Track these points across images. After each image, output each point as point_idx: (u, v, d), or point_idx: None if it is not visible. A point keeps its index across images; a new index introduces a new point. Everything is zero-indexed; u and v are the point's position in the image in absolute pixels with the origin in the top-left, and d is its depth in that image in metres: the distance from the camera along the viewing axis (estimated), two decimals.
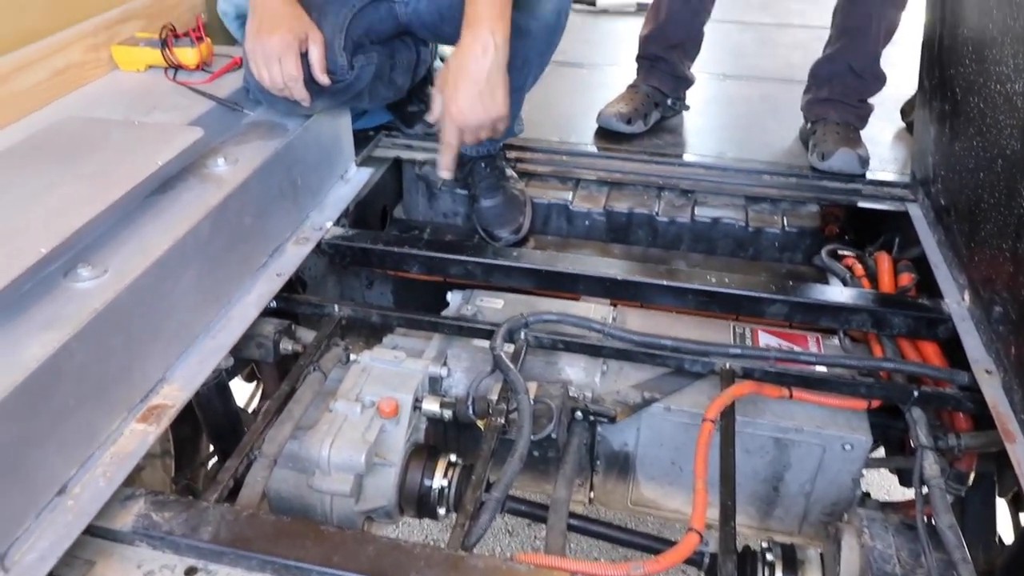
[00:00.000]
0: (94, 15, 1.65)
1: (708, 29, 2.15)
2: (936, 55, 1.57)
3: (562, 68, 2.52)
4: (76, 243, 1.10)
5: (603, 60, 2.62)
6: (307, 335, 1.45)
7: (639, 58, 2.17)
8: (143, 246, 1.16)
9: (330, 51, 1.49)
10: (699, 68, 2.21)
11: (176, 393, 1.15)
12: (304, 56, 1.42)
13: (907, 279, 1.61)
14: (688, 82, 2.17)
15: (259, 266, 1.45)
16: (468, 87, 1.33)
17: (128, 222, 1.21)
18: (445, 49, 2.34)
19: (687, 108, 2.19)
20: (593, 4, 3.14)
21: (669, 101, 2.14)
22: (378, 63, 1.64)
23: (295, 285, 1.65)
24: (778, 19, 3.08)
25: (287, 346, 1.41)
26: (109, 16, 1.67)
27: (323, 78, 1.45)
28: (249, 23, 1.42)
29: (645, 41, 2.14)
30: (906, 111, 2.16)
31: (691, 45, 2.14)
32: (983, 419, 1.25)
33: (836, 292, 1.52)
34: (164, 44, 1.63)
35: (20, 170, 1.21)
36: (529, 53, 1.54)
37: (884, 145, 2.05)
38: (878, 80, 1.95)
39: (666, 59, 2.11)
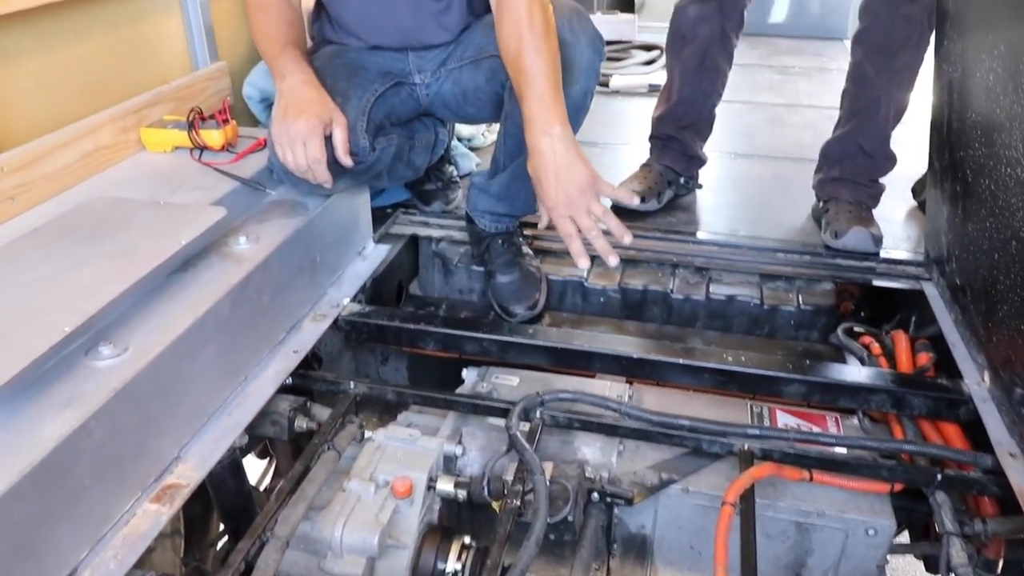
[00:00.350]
0: (125, 99, 1.71)
1: (719, 109, 2.20)
2: (945, 137, 1.60)
3: None
4: (99, 321, 1.11)
5: (616, 139, 2.68)
6: (322, 412, 1.45)
7: (652, 138, 2.21)
8: (164, 324, 1.17)
9: (353, 134, 1.53)
10: (711, 147, 2.25)
11: (190, 472, 1.15)
12: (327, 139, 1.46)
13: (925, 359, 1.60)
14: (701, 161, 2.21)
15: (276, 343, 1.46)
16: (549, 179, 1.38)
17: (151, 300, 1.22)
18: (463, 129, 2.41)
19: (700, 187, 2.23)
20: (606, 85, 3.23)
21: (682, 180, 2.17)
22: (398, 144, 1.69)
23: (310, 361, 1.65)
24: (787, 100, 3.15)
25: (302, 424, 1.41)
26: (139, 100, 1.74)
27: (346, 160, 1.49)
28: (276, 107, 1.46)
29: (657, 122, 2.19)
30: (917, 190, 2.18)
31: (703, 125, 2.18)
32: (1010, 504, 1.22)
33: (854, 372, 1.51)
34: (191, 126, 1.69)
35: (48, 248, 1.24)
36: None
37: (897, 223, 2.06)
38: (889, 160, 1.97)
39: (678, 139, 2.15)
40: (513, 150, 1.65)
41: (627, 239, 1.42)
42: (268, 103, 2.05)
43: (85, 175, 1.59)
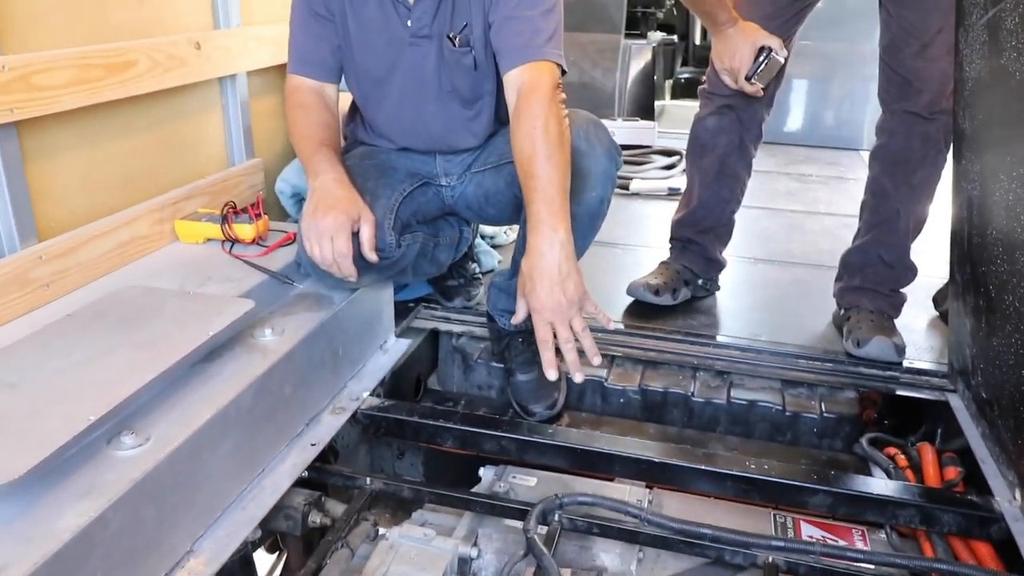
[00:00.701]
0: (163, 192, 1.78)
1: (738, 216, 2.24)
2: (966, 252, 1.61)
3: (596, 247, 2.58)
4: (123, 410, 1.12)
5: (636, 241, 2.72)
6: (336, 508, 1.42)
7: (672, 240, 2.24)
8: (186, 415, 1.18)
9: (380, 230, 1.57)
10: (730, 252, 2.28)
11: (201, 568, 1.13)
12: (355, 235, 1.50)
13: (953, 473, 1.56)
14: (720, 265, 2.23)
15: (294, 435, 1.46)
16: (543, 281, 1.40)
17: (175, 389, 1.23)
18: (485, 228, 2.46)
19: (718, 288, 2.24)
20: (627, 188, 3.30)
21: (700, 281, 2.19)
22: (423, 241, 1.73)
23: (327, 454, 1.64)
24: (806, 207, 3.20)
25: (316, 519, 1.38)
26: (176, 193, 1.80)
27: (372, 256, 1.52)
28: (307, 204, 1.51)
29: (677, 225, 2.23)
30: (938, 300, 2.18)
31: (722, 230, 2.21)
32: None
33: (881, 485, 1.47)
34: (224, 220, 1.74)
35: (79, 335, 1.26)
36: (573, 236, 1.61)
37: (919, 332, 2.06)
38: (909, 271, 1.98)
39: (698, 242, 2.19)
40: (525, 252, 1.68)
41: (596, 360, 1.44)
42: (299, 198, 2.12)
43: (120, 264, 1.63)
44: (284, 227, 1.86)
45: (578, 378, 1.45)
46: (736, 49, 1.89)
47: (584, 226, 1.60)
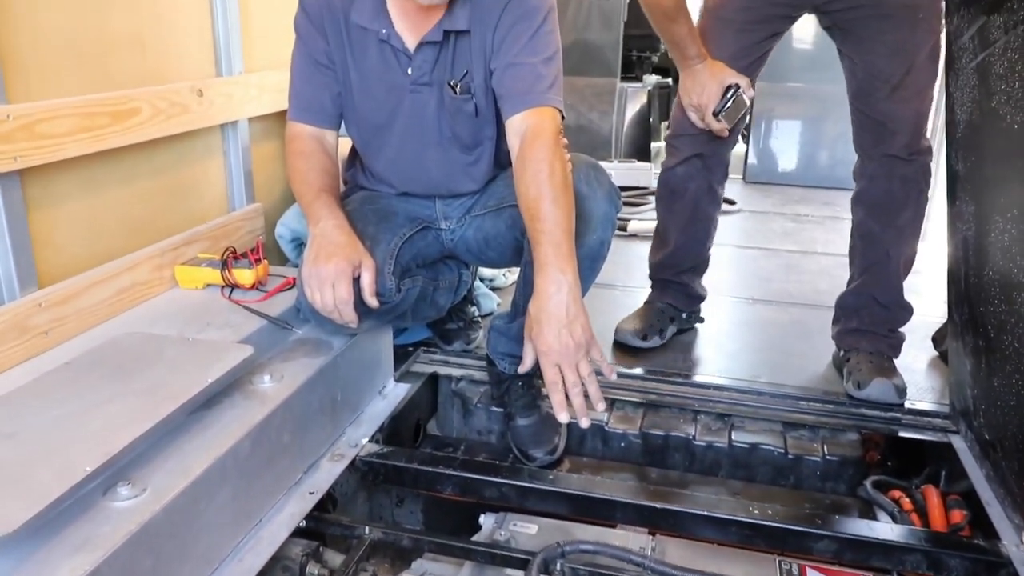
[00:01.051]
0: (163, 238, 1.78)
1: (735, 256, 2.26)
2: (964, 292, 1.62)
3: (596, 289, 2.60)
4: (119, 460, 1.11)
5: (634, 282, 2.72)
6: (335, 558, 1.40)
7: (653, 279, 2.26)
8: (184, 464, 1.17)
9: (380, 275, 1.57)
10: (729, 293, 2.29)
11: None
12: (355, 280, 1.50)
13: (959, 516, 1.55)
14: (701, 297, 2.27)
15: (292, 483, 1.44)
16: (551, 324, 1.39)
17: (172, 438, 1.22)
18: (484, 270, 2.46)
19: (702, 320, 2.27)
20: (624, 229, 3.32)
21: (684, 315, 2.23)
22: (423, 285, 1.73)
23: (325, 502, 1.62)
24: (802, 247, 3.21)
25: (313, 570, 1.36)
26: (176, 239, 1.81)
27: (372, 301, 1.52)
28: (308, 249, 1.51)
29: (657, 267, 2.25)
30: (937, 340, 2.18)
31: (701, 266, 2.25)
32: None
33: (887, 530, 1.46)
34: (224, 265, 1.74)
35: (77, 383, 1.26)
36: None
37: (919, 373, 2.05)
38: (905, 311, 1.99)
39: (678, 281, 2.22)
40: (532, 295, 1.68)
41: (600, 406, 1.42)
42: (299, 243, 2.12)
43: (119, 310, 1.63)
44: (284, 271, 1.87)
45: (584, 423, 1.43)
46: (704, 86, 1.91)
47: (585, 268, 1.61)
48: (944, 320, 1.94)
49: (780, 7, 1.91)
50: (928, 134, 1.92)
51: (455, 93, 1.60)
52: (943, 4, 1.76)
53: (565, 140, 1.53)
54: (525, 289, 1.72)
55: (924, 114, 1.86)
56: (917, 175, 1.88)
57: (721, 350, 2.20)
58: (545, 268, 1.41)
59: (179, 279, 1.78)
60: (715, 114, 1.93)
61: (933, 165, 1.95)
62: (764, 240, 3.29)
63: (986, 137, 1.48)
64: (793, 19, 1.97)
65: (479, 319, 2.18)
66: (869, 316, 1.98)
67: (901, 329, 2.01)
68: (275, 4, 2.11)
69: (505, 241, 1.72)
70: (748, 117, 2.00)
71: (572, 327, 1.39)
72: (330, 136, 1.71)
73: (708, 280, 2.30)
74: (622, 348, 2.14)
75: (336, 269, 1.46)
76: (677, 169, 2.11)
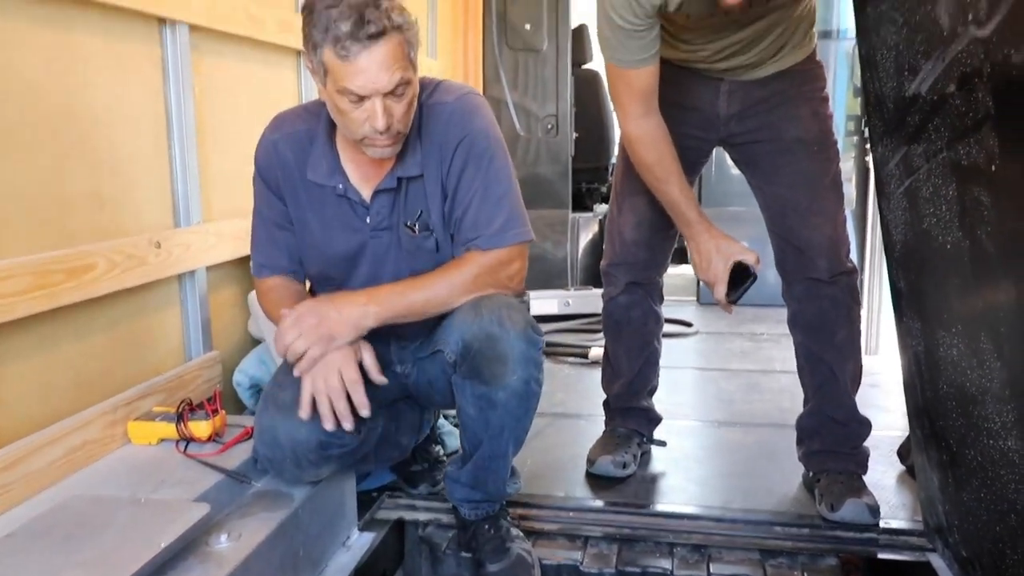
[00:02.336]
0: (117, 392, 1.74)
1: (696, 378, 2.28)
2: (922, 406, 1.64)
3: (560, 420, 2.60)
4: None
5: (598, 411, 2.70)
6: None
7: (611, 408, 2.28)
8: None
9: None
10: (693, 416, 2.29)
11: None
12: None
13: None
14: (659, 419, 2.29)
15: None
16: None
17: None
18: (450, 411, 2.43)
19: (663, 444, 2.26)
20: (586, 356, 3.34)
21: (645, 438, 2.24)
22: (384, 426, 1.70)
23: None
24: (761, 366, 3.25)
25: None
26: (130, 393, 1.76)
27: (380, 379, 1.52)
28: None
29: (615, 397, 2.26)
30: (903, 454, 2.18)
31: (654, 388, 2.28)
32: None
33: None
34: (180, 418, 1.69)
35: (20, 557, 1.18)
36: (504, 421, 1.60)
37: (889, 489, 2.04)
38: (863, 425, 2.00)
39: (639, 407, 2.24)
40: (472, 439, 1.66)
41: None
42: (257, 389, 2.09)
43: (69, 471, 1.56)
44: (241, 420, 1.82)
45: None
46: (710, 262, 1.85)
47: (516, 409, 1.59)
48: (907, 433, 1.95)
49: (693, 140, 2.00)
50: (854, 255, 1.98)
51: (414, 233, 1.64)
52: (834, 137, 1.94)
53: (509, 273, 1.60)
54: (465, 434, 1.69)
55: (839, 237, 1.93)
56: (844, 295, 1.93)
57: (690, 477, 2.18)
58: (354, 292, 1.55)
59: (132, 435, 1.72)
60: (732, 300, 1.86)
61: (876, 280, 2.03)
62: (723, 361, 3.33)
63: (922, 256, 1.55)
64: (707, 152, 2.10)
65: (444, 458, 2.13)
66: (830, 436, 1.99)
67: (864, 444, 2.02)
68: (234, 152, 2.16)
69: (443, 385, 1.70)
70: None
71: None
72: (298, 282, 1.73)
73: (672, 404, 2.31)
74: (595, 479, 2.10)
75: (341, 355, 1.46)
76: (619, 299, 2.16)
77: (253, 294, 2.08)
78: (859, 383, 2.02)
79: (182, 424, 1.68)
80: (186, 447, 1.67)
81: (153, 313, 1.91)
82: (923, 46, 1.29)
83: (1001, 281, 1.22)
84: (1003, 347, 1.22)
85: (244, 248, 1.73)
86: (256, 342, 2.25)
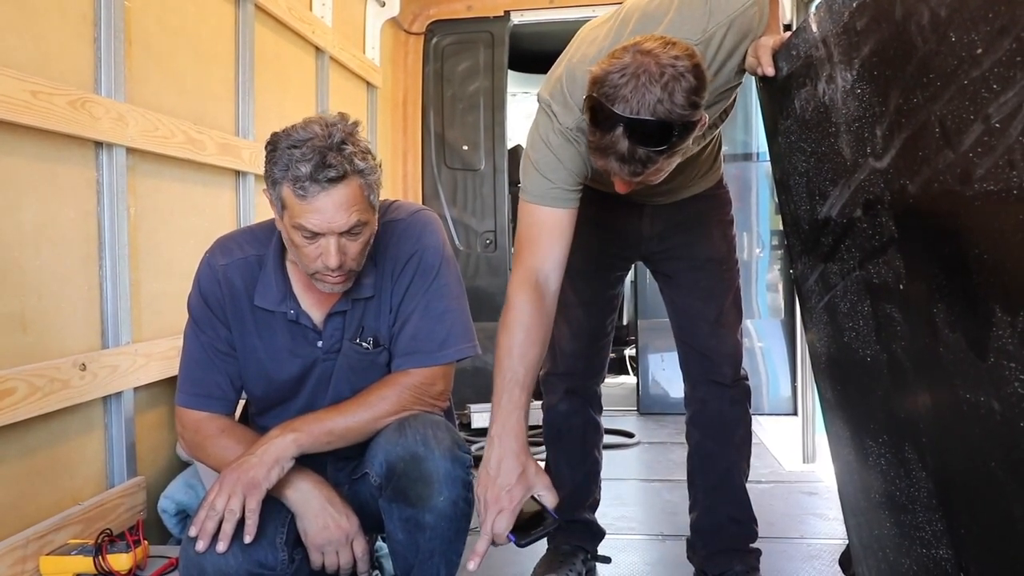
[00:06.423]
0: (31, 524, 1.63)
1: (640, 490, 2.28)
2: (858, 514, 1.66)
3: None
4: None
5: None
6: None
7: (557, 528, 2.23)
8: None
9: (271, 547, 1.48)
10: (639, 530, 2.26)
11: None
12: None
13: None
14: (603, 533, 2.26)
15: None
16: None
17: None
18: None
19: (608, 561, 2.23)
20: None
21: (590, 555, 2.21)
22: None
23: None
24: None
25: None
26: (45, 525, 1.66)
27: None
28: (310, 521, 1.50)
29: (557, 509, 2.22)
30: (844, 564, 2.18)
31: (596, 501, 2.26)
32: None
33: None
34: (98, 551, 1.60)
35: None
36: (434, 545, 1.55)
37: None
38: (756, 524, 2.07)
39: (581, 520, 2.21)
40: (403, 565, 1.61)
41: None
42: (183, 515, 1.99)
43: None
44: (166, 551, 1.73)
45: None
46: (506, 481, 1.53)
47: (446, 531, 1.54)
48: (847, 542, 1.96)
49: (619, 260, 2.14)
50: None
51: (367, 348, 1.63)
52: (736, 256, 2.10)
53: (435, 391, 1.60)
54: (396, 561, 1.64)
55: (739, 347, 2.08)
56: (742, 397, 2.06)
57: None
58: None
59: (44, 571, 1.61)
60: (519, 543, 1.51)
61: (810, 388, 2.10)
62: (666, 471, 3.32)
63: (846, 369, 1.61)
64: (628, 268, 2.23)
65: None
66: (728, 535, 2.03)
67: (753, 545, 2.06)
68: (169, 272, 2.14)
69: (375, 508, 1.65)
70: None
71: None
72: (224, 417, 1.66)
73: (615, 517, 2.29)
74: None
75: (351, 524, 1.51)
76: (559, 407, 2.18)
77: None
78: (747, 475, 2.10)
79: (100, 558, 1.59)
80: None
81: (75, 438, 1.83)
82: (830, 174, 1.39)
83: (919, 394, 1.27)
84: (926, 457, 1.26)
85: (174, 368, 1.69)
86: (184, 465, 2.16)
